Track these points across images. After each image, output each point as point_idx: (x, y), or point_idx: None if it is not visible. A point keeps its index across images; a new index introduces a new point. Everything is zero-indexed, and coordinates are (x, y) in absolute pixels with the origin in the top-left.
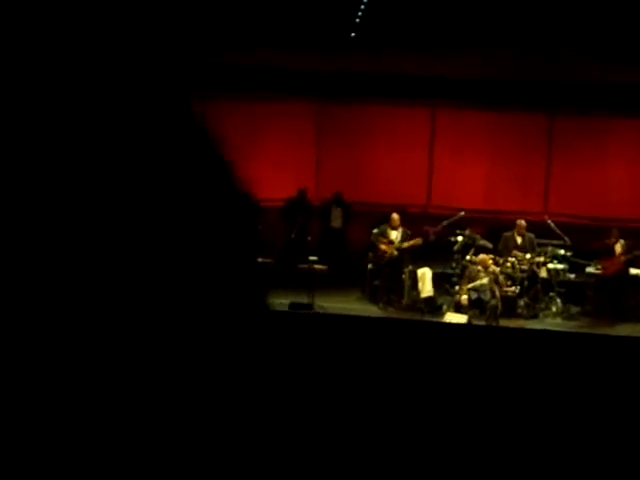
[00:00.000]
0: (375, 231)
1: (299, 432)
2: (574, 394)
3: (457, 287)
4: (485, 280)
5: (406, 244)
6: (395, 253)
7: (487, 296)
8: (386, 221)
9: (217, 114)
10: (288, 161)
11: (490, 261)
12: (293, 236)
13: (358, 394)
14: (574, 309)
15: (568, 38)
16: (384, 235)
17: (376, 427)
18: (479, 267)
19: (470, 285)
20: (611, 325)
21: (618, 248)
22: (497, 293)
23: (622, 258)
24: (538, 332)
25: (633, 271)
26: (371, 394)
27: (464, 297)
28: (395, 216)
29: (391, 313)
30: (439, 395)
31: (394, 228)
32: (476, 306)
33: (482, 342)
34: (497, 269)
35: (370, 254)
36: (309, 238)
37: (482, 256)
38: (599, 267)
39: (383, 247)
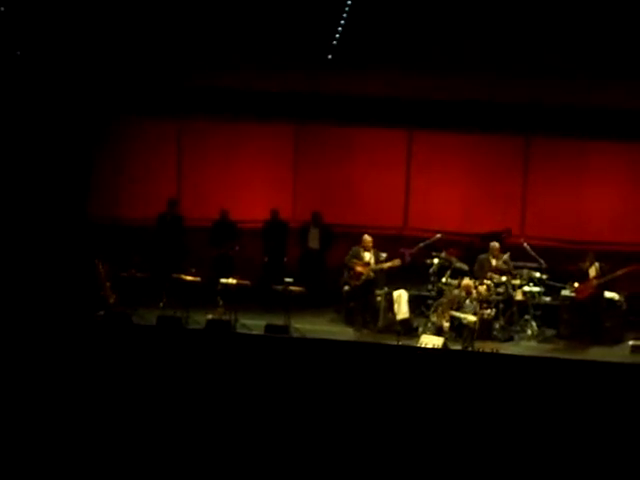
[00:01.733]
0: (348, 256)
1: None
2: (549, 419)
3: (435, 310)
4: (471, 317)
5: (386, 265)
6: (372, 275)
7: (467, 322)
8: (359, 243)
9: (196, 135)
10: (266, 182)
11: (472, 285)
12: (266, 259)
13: (332, 417)
14: (549, 332)
15: (545, 61)
16: (358, 257)
17: (350, 450)
18: (463, 293)
19: (455, 314)
20: (586, 348)
21: (592, 272)
22: (476, 318)
23: (595, 282)
24: (513, 357)
25: (608, 294)
26: (347, 416)
27: (446, 324)
28: (367, 237)
29: (367, 335)
30: (414, 418)
31: (367, 249)
32: (454, 329)
33: (457, 368)
34: (479, 292)
35: (345, 275)
36: (285, 259)
37: (466, 281)
38: (573, 290)
39: (359, 269)
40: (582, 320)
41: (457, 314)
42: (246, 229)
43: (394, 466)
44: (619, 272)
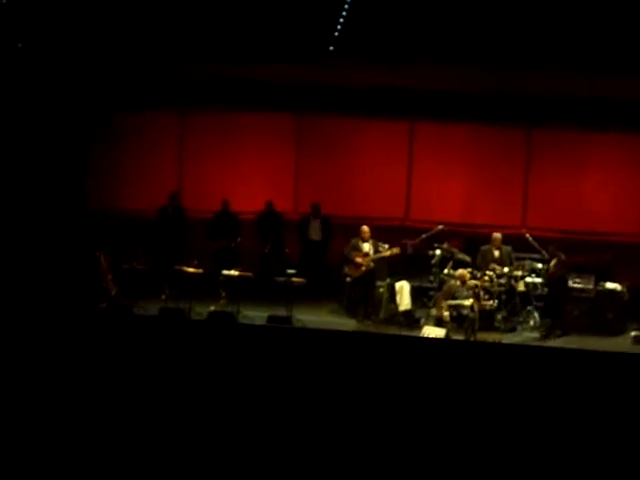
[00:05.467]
0: (347, 248)
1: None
2: (551, 408)
3: (435, 301)
4: (467, 302)
5: (386, 254)
6: (371, 265)
7: (466, 311)
8: (371, 235)
9: (197, 127)
10: (267, 174)
11: (468, 275)
12: (266, 251)
13: (335, 407)
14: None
15: (547, 53)
16: (357, 249)
17: (353, 440)
18: (458, 282)
19: (452, 302)
20: (588, 339)
21: (551, 265)
22: (475, 307)
23: (555, 274)
24: (515, 347)
25: (610, 285)
26: (349, 407)
27: (446, 314)
28: (365, 228)
29: (369, 326)
30: (417, 408)
31: (365, 240)
32: (455, 319)
33: (460, 357)
34: (476, 282)
35: (346, 268)
36: (286, 250)
37: (460, 271)
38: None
39: (359, 260)
40: (584, 311)
41: (454, 302)
42: (247, 220)
43: (396, 456)
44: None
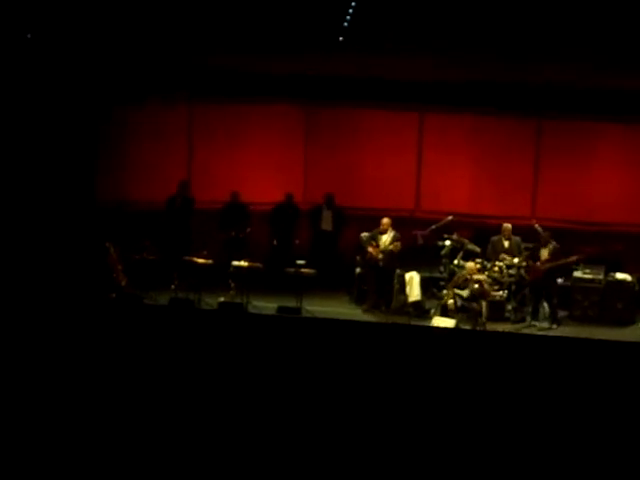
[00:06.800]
0: (365, 235)
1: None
2: (562, 398)
3: (444, 291)
4: (464, 292)
5: (391, 247)
6: (380, 256)
7: (470, 304)
8: (377, 225)
9: (206, 117)
10: (276, 165)
11: (475, 269)
12: (275, 243)
13: (346, 397)
14: (562, 313)
15: (556, 42)
16: (374, 239)
17: (364, 429)
18: (465, 274)
19: (456, 291)
20: (597, 329)
21: (544, 254)
22: (482, 302)
23: (546, 265)
24: (525, 337)
25: (620, 276)
26: (360, 397)
27: (451, 301)
28: (385, 220)
29: (379, 317)
30: (428, 398)
31: (383, 232)
32: (464, 310)
33: (469, 346)
34: (482, 277)
35: (358, 258)
36: (297, 241)
37: (469, 264)
38: (525, 270)
39: (370, 250)
40: (594, 301)
41: (457, 291)
42: (257, 211)
43: (405, 446)
44: (571, 258)
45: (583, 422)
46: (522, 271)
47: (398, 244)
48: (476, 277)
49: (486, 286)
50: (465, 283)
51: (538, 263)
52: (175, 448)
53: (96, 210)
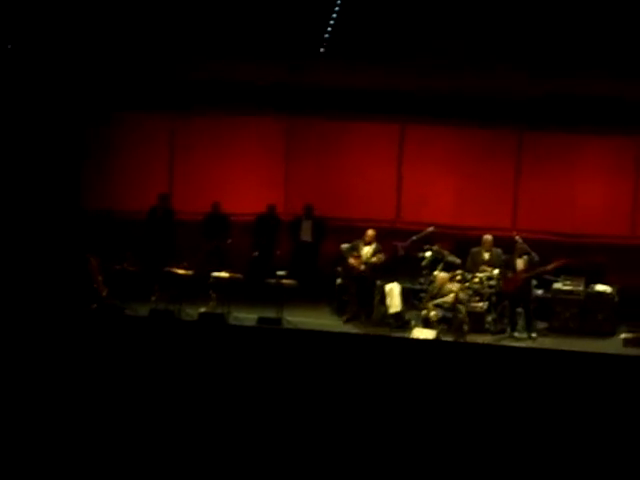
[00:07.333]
0: (346, 246)
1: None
2: (543, 409)
3: (423, 306)
4: (448, 298)
5: (374, 259)
6: (362, 267)
7: (450, 314)
8: (359, 236)
9: (188, 128)
10: (257, 175)
11: (447, 279)
12: (256, 254)
13: (327, 408)
14: (541, 325)
15: (537, 54)
16: (356, 250)
17: (345, 440)
18: (437, 285)
19: (435, 301)
20: (578, 341)
21: (520, 264)
22: (462, 310)
23: (522, 275)
24: (504, 349)
25: (600, 287)
26: (340, 408)
27: (433, 313)
28: (369, 232)
29: (359, 328)
30: (408, 408)
31: (367, 244)
32: (444, 322)
33: (449, 358)
34: (455, 287)
35: (339, 268)
36: (278, 252)
37: (441, 274)
38: (501, 282)
39: (351, 261)
40: (574, 313)
41: (436, 301)
42: (238, 222)
43: (386, 458)
44: (549, 267)
45: (564, 433)
46: (501, 282)
47: (381, 256)
48: (449, 287)
49: (461, 295)
50: (441, 292)
51: (510, 274)
52: (156, 458)
53: (80, 220)
